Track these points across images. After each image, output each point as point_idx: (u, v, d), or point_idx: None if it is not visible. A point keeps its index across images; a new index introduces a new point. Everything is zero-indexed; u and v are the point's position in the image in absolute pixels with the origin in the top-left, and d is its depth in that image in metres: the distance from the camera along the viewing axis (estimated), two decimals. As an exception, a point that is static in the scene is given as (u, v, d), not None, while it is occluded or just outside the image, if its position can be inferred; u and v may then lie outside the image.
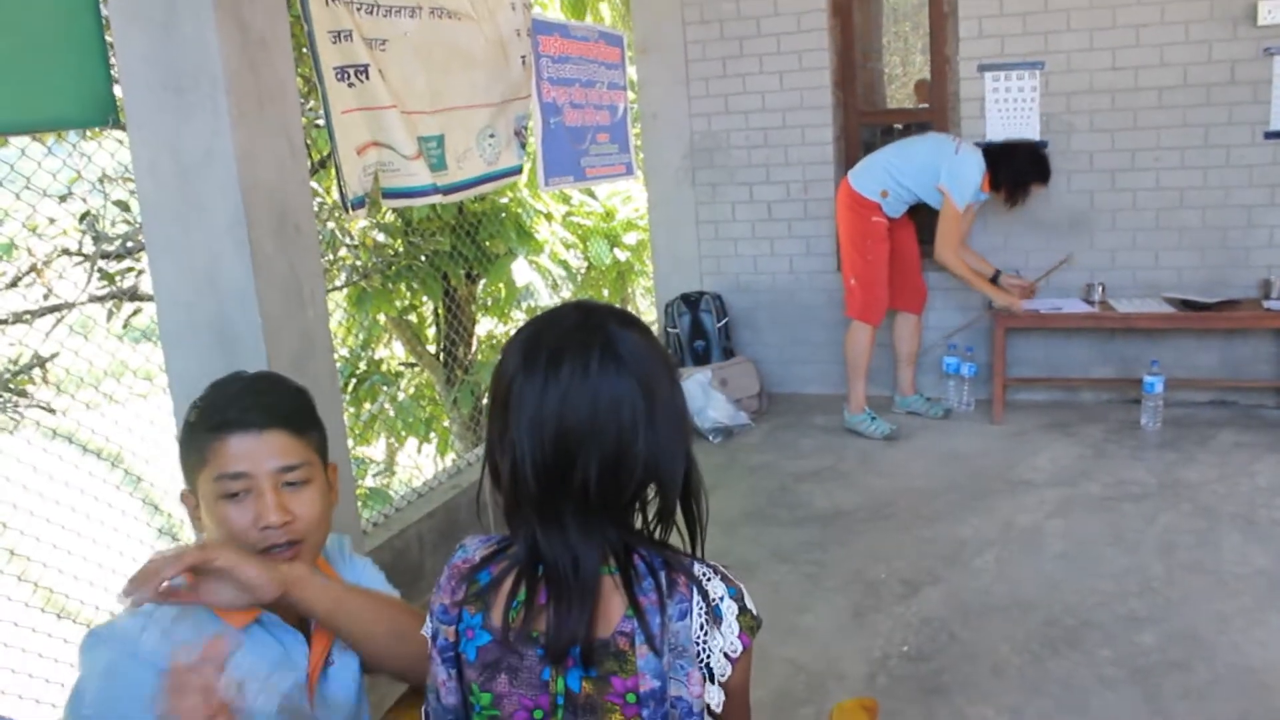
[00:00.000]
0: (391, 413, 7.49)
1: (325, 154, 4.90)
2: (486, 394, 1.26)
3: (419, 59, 3.49)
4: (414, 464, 8.80)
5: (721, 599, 1.29)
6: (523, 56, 4.17)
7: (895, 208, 5.16)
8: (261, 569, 1.42)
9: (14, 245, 4.31)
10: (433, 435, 7.68)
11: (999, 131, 5.46)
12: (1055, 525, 4.06)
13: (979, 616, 3.39)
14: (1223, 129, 5.19)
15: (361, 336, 7.60)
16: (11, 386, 4.04)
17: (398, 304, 6.98)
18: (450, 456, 7.46)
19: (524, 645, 1.27)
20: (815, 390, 6.03)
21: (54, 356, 4.16)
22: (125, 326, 4.84)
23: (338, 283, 6.27)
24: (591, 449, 1.25)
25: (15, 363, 4.17)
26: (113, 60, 2.53)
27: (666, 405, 1.30)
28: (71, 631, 2.94)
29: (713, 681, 1.28)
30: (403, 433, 7.75)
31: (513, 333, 1.38)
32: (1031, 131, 5.42)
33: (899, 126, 6.01)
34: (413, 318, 7.72)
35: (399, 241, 6.40)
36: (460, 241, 6.42)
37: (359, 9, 3.19)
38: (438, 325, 7.65)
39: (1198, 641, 3.16)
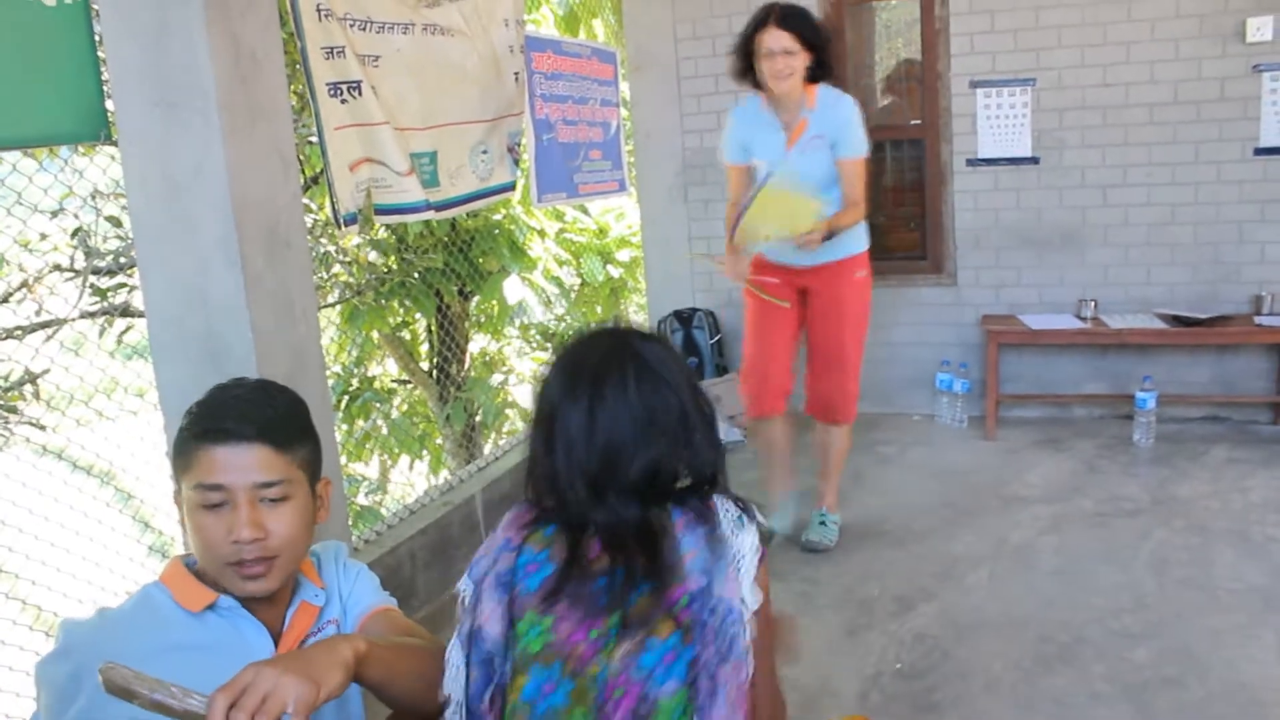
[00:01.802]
0: (384, 430, 7.47)
1: (318, 170, 4.91)
2: (532, 413, 1.39)
3: (412, 75, 3.50)
4: (407, 481, 8.78)
5: (740, 515, 1.51)
6: (516, 73, 4.18)
7: (779, 248, 3.87)
8: (337, 681, 1.34)
9: (5, 261, 4.30)
10: (425, 452, 7.66)
11: (991, 148, 5.49)
12: (1048, 541, 4.06)
13: (972, 633, 3.39)
14: (1213, 145, 5.21)
15: (354, 353, 7.59)
16: (2, 403, 4.03)
17: (391, 321, 6.96)
18: (443, 473, 7.44)
19: (587, 578, 1.45)
20: (808, 406, 6.02)
21: (45, 373, 4.15)
22: (118, 343, 4.82)
23: (330, 299, 6.27)
24: (639, 454, 1.48)
25: (6, 379, 4.16)
26: (105, 75, 2.53)
27: (694, 403, 1.54)
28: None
29: (746, 580, 1.47)
30: (396, 450, 7.73)
31: (552, 358, 1.59)
32: (1023, 147, 5.44)
33: (890, 142, 6.02)
34: (406, 335, 7.71)
35: (392, 258, 6.39)
36: (453, 258, 6.42)
37: (352, 25, 3.19)
38: (431, 342, 7.64)
39: (1191, 657, 3.15)
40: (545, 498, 1.54)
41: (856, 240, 3.98)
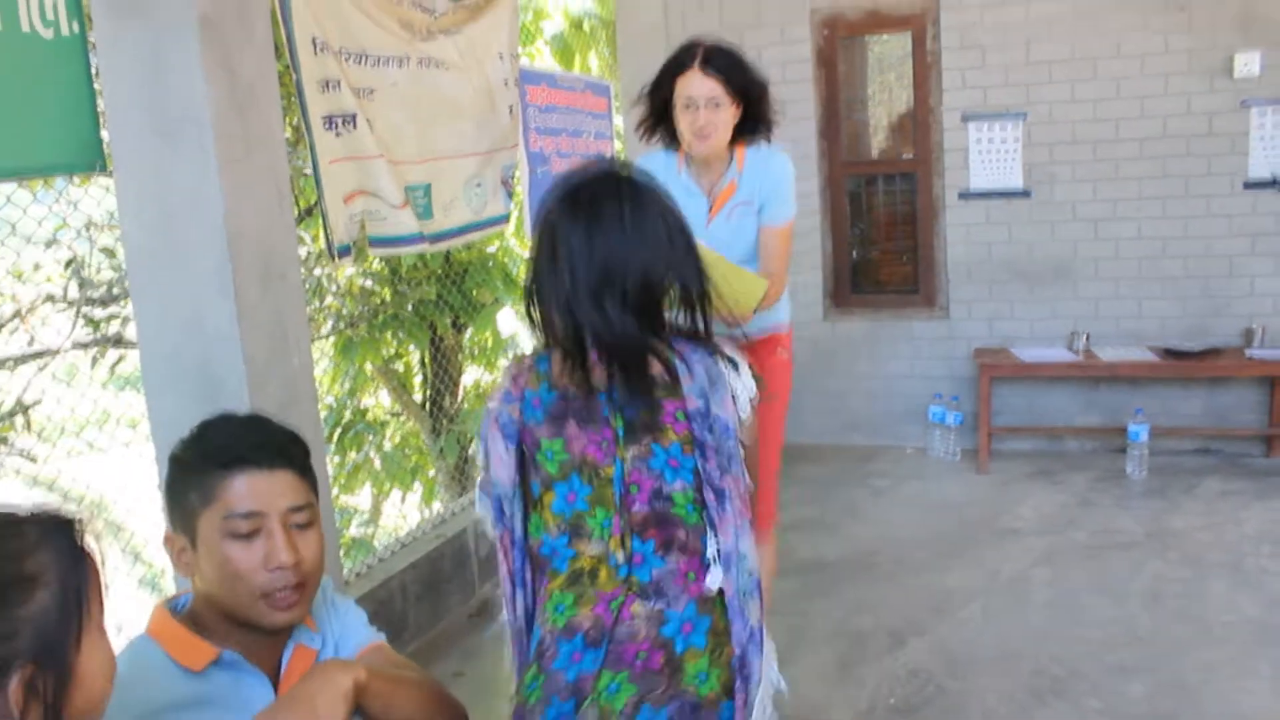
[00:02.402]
0: (377, 462, 7.44)
1: (312, 201, 4.91)
2: (532, 240, 1.53)
3: (407, 109, 3.51)
4: (399, 513, 8.73)
5: (734, 357, 1.68)
6: (510, 106, 4.20)
7: None
8: (338, 709, 1.37)
9: (-1, 291, 4.30)
10: (417, 484, 7.62)
11: (982, 181, 5.52)
12: (1042, 574, 4.05)
13: (966, 667, 3.37)
14: (1202, 179, 5.25)
15: (347, 385, 7.56)
16: (-7, 434, 4.01)
17: (384, 352, 6.95)
18: (435, 505, 7.41)
19: (589, 399, 1.63)
20: (801, 440, 6.01)
21: (37, 404, 4.13)
22: (110, 374, 4.81)
23: (324, 330, 6.26)
24: (632, 267, 1.61)
25: (-3, 410, 4.14)
26: (101, 106, 2.54)
27: (680, 231, 1.70)
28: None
29: (743, 415, 1.65)
30: (387, 483, 7.70)
31: (550, 192, 1.74)
32: (1015, 181, 5.48)
33: (883, 176, 6.05)
34: (399, 366, 7.69)
35: (386, 290, 6.39)
36: (447, 290, 6.42)
37: (347, 59, 3.21)
38: (424, 374, 7.63)
39: (1186, 691, 3.14)
40: (546, 314, 1.68)
41: (780, 310, 3.23)
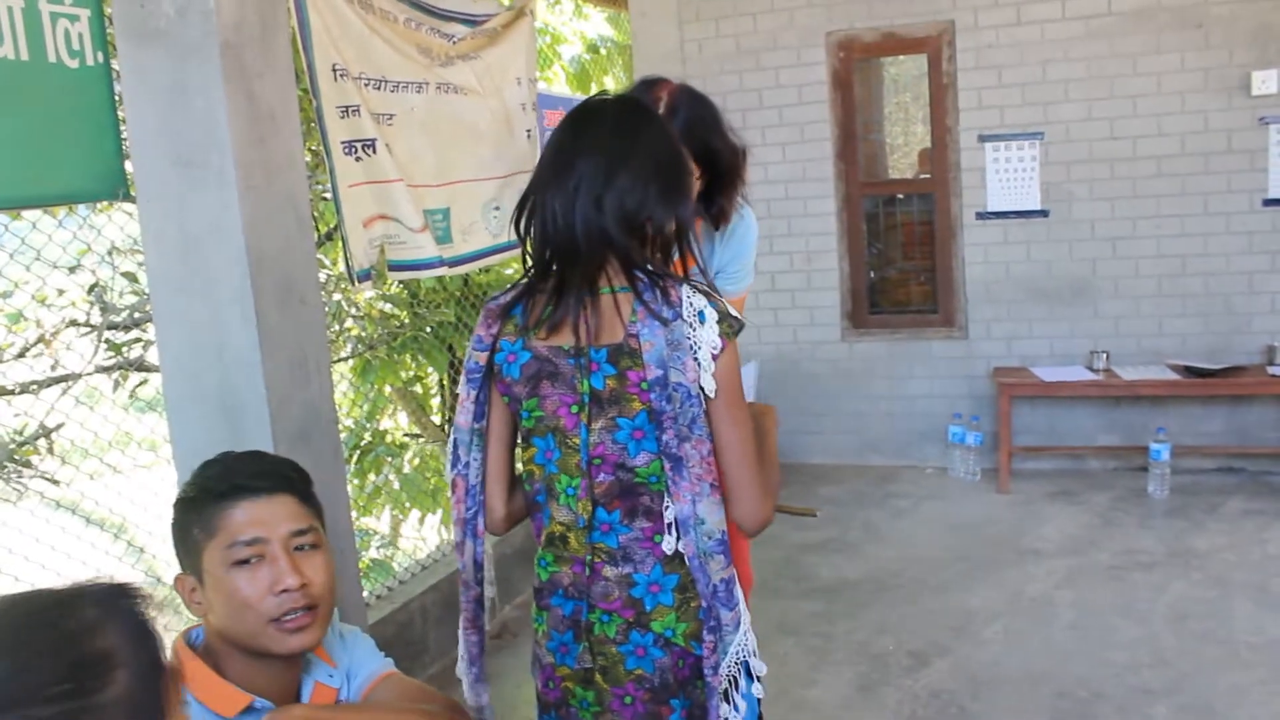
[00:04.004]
0: (396, 484, 7.44)
1: (332, 226, 4.94)
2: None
3: (426, 133, 3.54)
4: (418, 535, 8.73)
5: (703, 309, 1.62)
6: (528, 130, 4.22)
7: None
8: None
9: (22, 316, 4.32)
10: (437, 507, 7.63)
11: (1000, 201, 5.52)
12: (1064, 595, 4.02)
13: (988, 689, 3.35)
14: (1222, 197, 5.23)
15: (366, 408, 7.58)
16: (16, 457, 4.03)
17: (403, 375, 6.97)
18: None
19: (558, 356, 1.65)
20: (820, 460, 6.01)
21: (59, 427, 4.15)
22: (131, 397, 4.83)
23: (343, 354, 6.28)
24: (611, 185, 1.60)
25: (20, 433, 4.16)
26: (124, 134, 2.56)
27: (670, 169, 1.67)
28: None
29: (705, 372, 1.60)
30: (407, 504, 7.70)
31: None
32: (1032, 200, 5.47)
33: (900, 196, 6.06)
34: (418, 388, 7.71)
35: (405, 313, 6.42)
36: (465, 313, 6.43)
37: (367, 84, 3.23)
38: (442, 396, 7.64)
39: (1212, 714, 3.11)
40: (529, 222, 1.69)
41: None
